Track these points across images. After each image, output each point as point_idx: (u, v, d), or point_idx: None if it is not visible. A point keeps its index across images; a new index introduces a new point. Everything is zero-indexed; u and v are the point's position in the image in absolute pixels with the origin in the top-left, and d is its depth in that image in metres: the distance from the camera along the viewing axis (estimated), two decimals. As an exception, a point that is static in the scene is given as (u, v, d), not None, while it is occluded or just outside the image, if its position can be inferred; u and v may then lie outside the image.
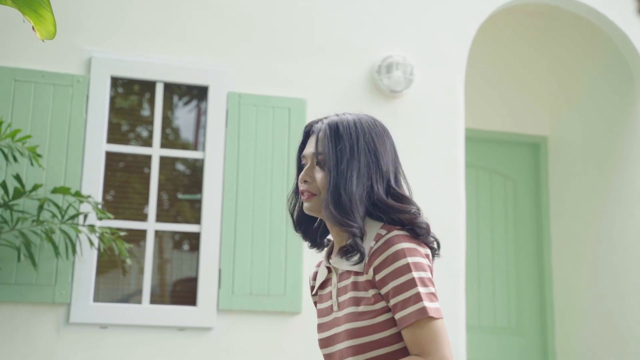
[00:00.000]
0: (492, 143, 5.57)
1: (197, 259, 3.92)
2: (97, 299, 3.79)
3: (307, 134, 1.72)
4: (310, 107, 4.10)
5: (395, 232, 1.57)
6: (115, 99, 4.05)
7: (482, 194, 5.51)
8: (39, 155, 3.49)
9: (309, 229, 1.75)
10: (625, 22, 4.69)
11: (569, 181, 5.38)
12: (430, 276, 1.55)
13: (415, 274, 1.52)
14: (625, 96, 4.92)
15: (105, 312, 3.72)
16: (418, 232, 1.61)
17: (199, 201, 4.04)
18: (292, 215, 1.76)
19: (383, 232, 1.59)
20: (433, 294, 1.53)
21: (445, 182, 4.23)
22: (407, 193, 1.68)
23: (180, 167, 4.17)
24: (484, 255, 5.44)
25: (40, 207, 3.50)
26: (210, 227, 3.89)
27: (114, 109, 4.02)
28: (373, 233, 1.61)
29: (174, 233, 4.05)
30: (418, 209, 1.65)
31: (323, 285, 1.74)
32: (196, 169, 4.14)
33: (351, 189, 1.60)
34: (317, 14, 4.25)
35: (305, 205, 1.66)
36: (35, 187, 3.48)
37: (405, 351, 1.54)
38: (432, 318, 1.49)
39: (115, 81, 4.02)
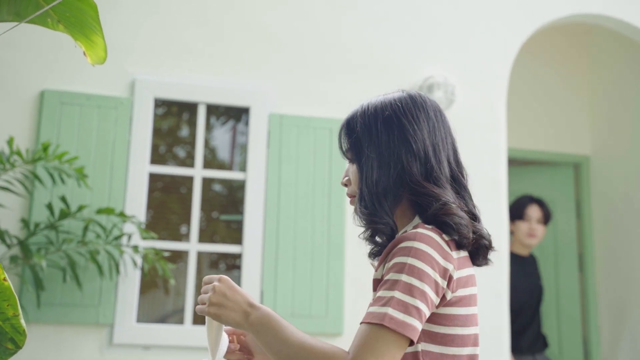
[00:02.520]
0: (531, 168, 5.51)
1: (239, 279, 3.92)
2: (139, 319, 3.81)
3: None
4: (351, 128, 4.09)
5: (419, 230, 1.36)
6: (155, 120, 4.09)
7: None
8: (86, 176, 3.54)
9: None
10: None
11: (612, 202, 5.28)
12: (426, 289, 1.30)
13: (405, 278, 1.30)
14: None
15: (148, 332, 3.74)
16: (445, 228, 1.37)
17: (237, 222, 4.05)
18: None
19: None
20: (414, 308, 1.29)
21: (487, 201, 4.18)
22: (448, 175, 1.46)
23: (216, 187, 4.19)
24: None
25: (85, 228, 3.54)
26: (252, 248, 3.89)
27: (155, 129, 4.06)
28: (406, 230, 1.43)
29: (211, 253, 4.06)
30: (463, 200, 1.45)
31: None
32: (232, 189, 4.16)
33: (372, 179, 1.41)
34: (357, 34, 4.26)
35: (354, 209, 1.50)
36: (81, 208, 3.52)
37: None
38: (384, 327, 1.27)
39: (157, 102, 4.06)
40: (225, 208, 4.23)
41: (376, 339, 1.27)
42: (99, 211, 3.54)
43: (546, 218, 4.31)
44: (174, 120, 4.16)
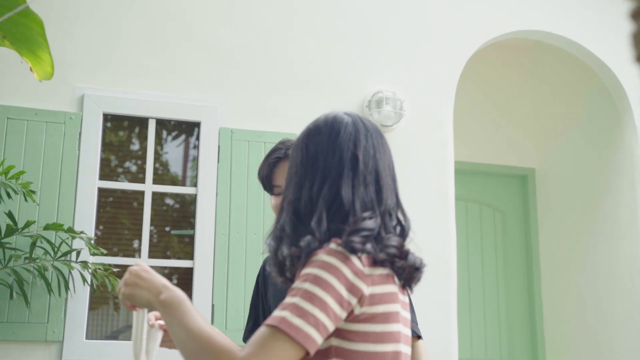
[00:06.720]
0: (480, 175, 5.62)
1: (190, 294, 3.92)
2: (88, 336, 3.77)
3: None
4: (302, 142, 4.13)
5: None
6: (106, 134, 4.07)
7: (471, 226, 5.55)
8: (33, 192, 3.50)
9: None
10: (611, 59, 4.77)
11: (557, 213, 5.42)
12: (328, 300, 1.31)
13: (308, 286, 1.32)
14: (611, 130, 4.99)
15: (98, 349, 3.70)
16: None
17: (189, 236, 4.05)
18: None
19: None
20: (312, 316, 1.30)
21: (435, 214, 4.26)
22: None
23: (169, 201, 4.17)
24: (474, 287, 5.45)
25: (33, 244, 3.50)
26: (203, 263, 3.89)
27: (104, 144, 4.04)
28: None
29: (163, 268, 4.04)
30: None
31: None
32: (185, 204, 4.15)
33: None
34: (307, 51, 4.31)
35: None
36: (28, 224, 3.47)
37: None
38: (279, 330, 1.28)
39: (106, 117, 4.04)
40: (177, 222, 4.22)
41: (269, 340, 1.28)
42: (47, 227, 3.50)
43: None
44: (125, 135, 4.14)
